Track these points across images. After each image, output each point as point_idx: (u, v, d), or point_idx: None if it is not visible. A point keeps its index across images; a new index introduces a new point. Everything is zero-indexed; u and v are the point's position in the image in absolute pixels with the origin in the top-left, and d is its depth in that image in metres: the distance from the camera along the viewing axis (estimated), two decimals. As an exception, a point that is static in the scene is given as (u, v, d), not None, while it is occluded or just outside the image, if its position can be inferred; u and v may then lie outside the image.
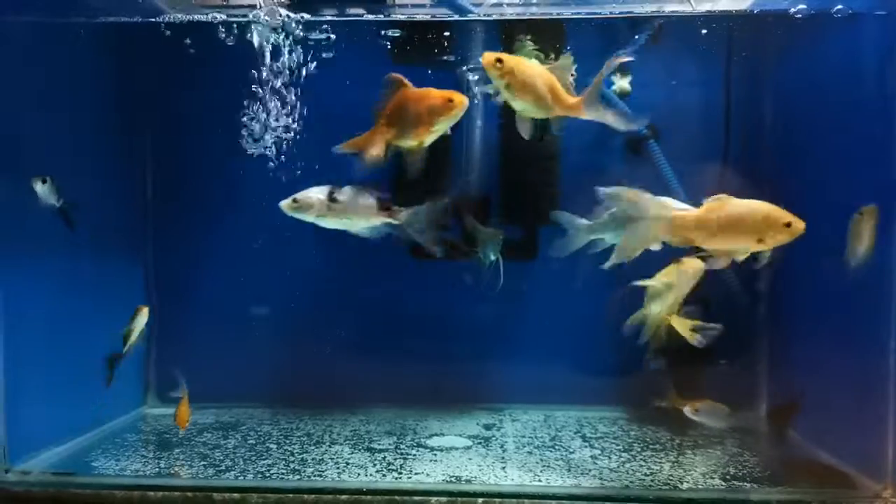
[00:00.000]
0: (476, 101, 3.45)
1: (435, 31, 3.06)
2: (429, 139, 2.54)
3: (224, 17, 2.94)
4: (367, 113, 3.57)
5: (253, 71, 3.12)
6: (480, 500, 2.50)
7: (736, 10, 3.00)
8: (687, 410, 2.91)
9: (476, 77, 3.40)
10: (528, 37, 3.10)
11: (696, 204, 2.42)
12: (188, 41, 3.02)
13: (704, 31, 3.10)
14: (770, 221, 2.35)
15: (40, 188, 2.80)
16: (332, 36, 3.15)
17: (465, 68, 3.38)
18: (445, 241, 3.61)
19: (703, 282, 3.36)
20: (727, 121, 3.52)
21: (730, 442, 3.15)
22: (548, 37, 3.10)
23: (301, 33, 3.05)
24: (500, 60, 2.38)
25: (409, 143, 2.55)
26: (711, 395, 2.99)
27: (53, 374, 2.99)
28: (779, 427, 3.29)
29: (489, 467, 2.82)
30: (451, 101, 2.48)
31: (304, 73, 3.18)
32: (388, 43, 3.16)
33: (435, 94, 2.51)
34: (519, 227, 3.63)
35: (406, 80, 2.52)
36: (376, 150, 2.51)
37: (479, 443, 3.16)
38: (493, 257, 3.27)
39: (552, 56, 3.13)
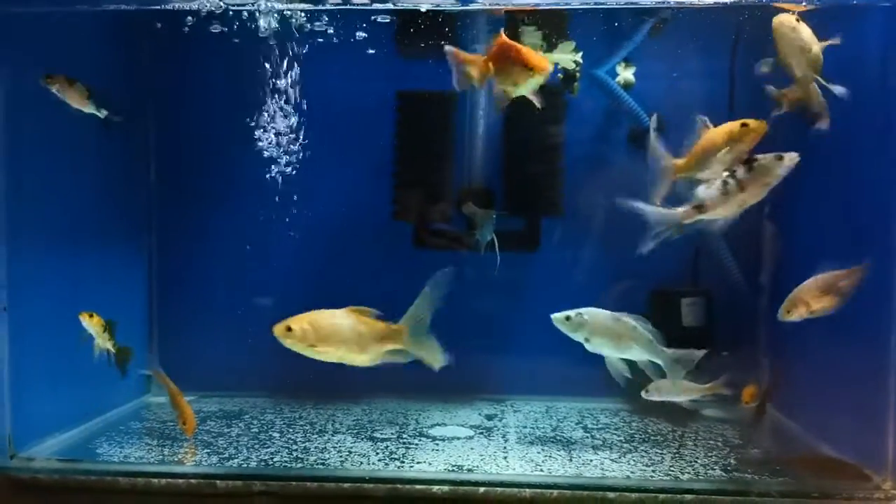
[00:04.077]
0: (478, 93, 3.45)
1: (439, 21, 3.05)
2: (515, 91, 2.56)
3: (227, 4, 2.94)
4: (370, 103, 3.61)
5: (257, 60, 3.12)
6: (482, 489, 2.52)
7: (741, 2, 2.99)
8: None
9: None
10: (533, 27, 3.09)
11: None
12: (192, 29, 3.01)
13: (710, 23, 3.10)
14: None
15: (71, 94, 2.74)
16: (332, 30, 3.15)
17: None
18: (447, 232, 3.65)
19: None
20: (731, 114, 3.51)
21: (731, 433, 3.17)
22: (552, 26, 3.10)
23: (305, 22, 3.05)
24: (289, 328, 2.36)
25: (503, 86, 2.57)
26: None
27: (58, 363, 3.00)
28: (758, 410, 3.29)
29: (491, 457, 2.83)
30: (529, 66, 2.49)
31: (307, 62, 3.18)
32: (395, 31, 3.16)
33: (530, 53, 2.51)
34: (521, 218, 3.63)
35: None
36: (475, 74, 2.53)
37: (481, 433, 3.17)
38: (489, 237, 3.30)
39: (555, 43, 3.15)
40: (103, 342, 2.83)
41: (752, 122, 2.39)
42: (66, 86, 2.74)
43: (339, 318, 2.38)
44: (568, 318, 2.67)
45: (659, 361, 2.68)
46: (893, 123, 2.61)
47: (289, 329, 2.35)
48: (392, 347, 2.40)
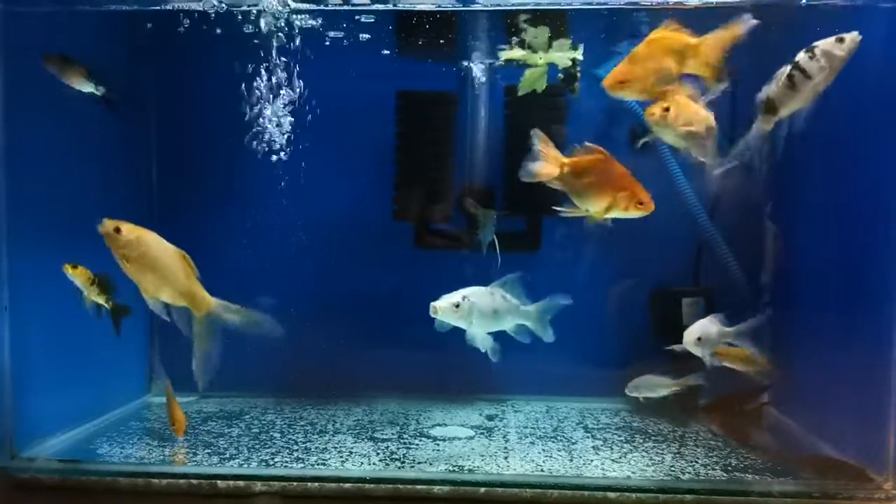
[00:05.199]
0: (479, 93, 3.45)
1: (439, 22, 3.05)
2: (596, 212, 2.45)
3: (228, 5, 2.94)
4: (371, 103, 3.61)
5: (258, 59, 3.12)
6: (482, 489, 2.52)
7: (742, 1, 2.99)
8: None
9: (481, 68, 3.40)
10: (534, 27, 3.09)
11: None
12: (194, 29, 3.02)
13: (710, 23, 3.09)
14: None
15: (70, 73, 2.74)
16: (333, 29, 3.15)
17: (468, 62, 3.39)
18: (447, 232, 3.65)
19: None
20: (733, 113, 3.51)
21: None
22: (551, 25, 3.10)
23: (306, 22, 3.05)
24: (118, 230, 2.31)
25: (580, 203, 2.46)
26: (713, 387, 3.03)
27: (59, 363, 3.00)
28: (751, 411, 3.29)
29: (491, 457, 2.83)
30: (641, 203, 2.37)
31: (308, 62, 3.18)
32: (396, 30, 3.16)
33: (629, 188, 2.39)
34: (522, 219, 3.63)
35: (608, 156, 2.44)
36: (548, 171, 2.45)
37: (482, 433, 3.17)
38: (490, 237, 3.31)
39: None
40: (92, 295, 2.75)
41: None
42: (65, 65, 2.75)
43: (167, 252, 2.37)
44: (457, 305, 2.56)
45: (527, 322, 2.70)
46: (894, 123, 2.61)
47: (117, 230, 2.30)
48: (189, 306, 2.40)
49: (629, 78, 2.31)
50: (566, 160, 2.44)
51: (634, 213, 2.37)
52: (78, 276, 2.73)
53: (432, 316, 2.57)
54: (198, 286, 2.41)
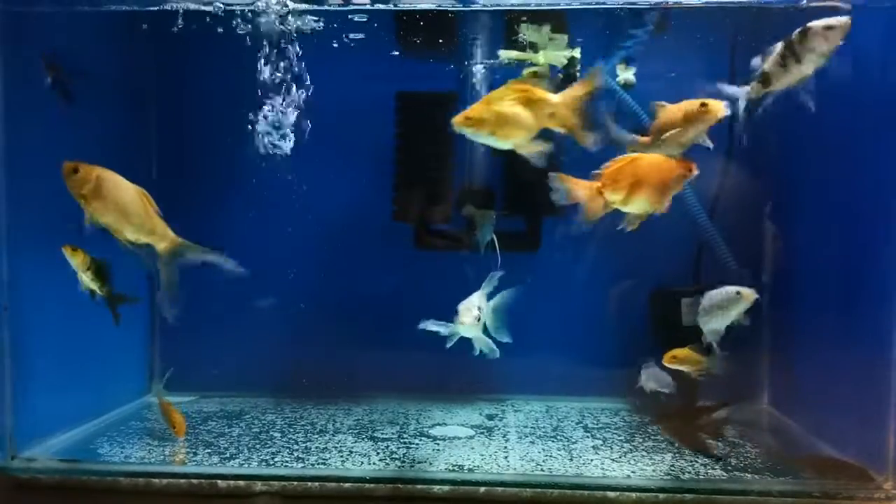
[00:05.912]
0: (479, 93, 3.45)
1: (439, 21, 3.05)
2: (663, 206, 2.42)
3: (226, 5, 2.95)
4: (370, 104, 3.61)
5: (258, 60, 3.12)
6: (482, 489, 2.52)
7: (741, 1, 3.00)
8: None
9: (482, 70, 3.41)
10: (534, 26, 3.09)
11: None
12: (193, 29, 3.02)
13: (710, 22, 3.10)
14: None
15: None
16: (333, 30, 3.15)
17: (470, 62, 3.39)
18: (447, 233, 3.65)
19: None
20: (731, 114, 3.50)
21: (731, 433, 3.16)
22: (551, 26, 3.10)
23: (306, 22, 3.05)
24: (76, 170, 2.30)
25: (637, 209, 2.42)
26: (713, 387, 3.03)
27: (59, 363, 3.01)
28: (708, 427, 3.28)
29: (492, 457, 2.83)
30: (690, 169, 2.37)
31: (308, 62, 3.18)
32: (396, 30, 3.16)
33: (670, 163, 2.38)
34: (522, 219, 3.63)
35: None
36: (596, 212, 2.39)
37: (482, 433, 3.17)
38: (488, 237, 3.31)
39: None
40: (87, 280, 2.72)
41: (710, 103, 2.38)
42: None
43: (127, 190, 2.36)
44: (479, 318, 2.58)
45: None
46: (893, 124, 2.62)
47: (75, 171, 2.29)
48: (152, 243, 2.43)
49: (476, 117, 2.30)
50: (595, 184, 2.38)
51: (685, 181, 2.38)
52: (75, 258, 2.71)
53: (462, 333, 2.61)
54: (159, 222, 2.42)
